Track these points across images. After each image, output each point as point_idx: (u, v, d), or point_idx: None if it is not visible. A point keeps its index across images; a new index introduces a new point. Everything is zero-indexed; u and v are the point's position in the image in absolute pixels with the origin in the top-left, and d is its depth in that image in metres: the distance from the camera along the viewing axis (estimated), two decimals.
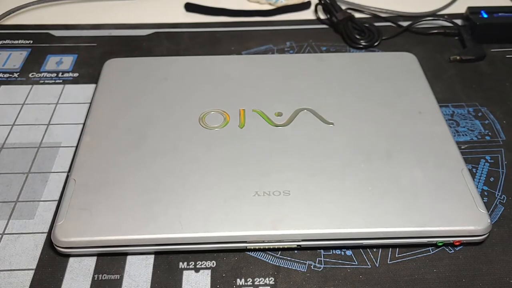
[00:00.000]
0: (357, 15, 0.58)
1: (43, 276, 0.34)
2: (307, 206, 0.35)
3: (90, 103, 0.43)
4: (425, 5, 0.60)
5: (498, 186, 0.40)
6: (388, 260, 0.35)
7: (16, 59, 0.52)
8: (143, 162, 0.37)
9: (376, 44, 0.54)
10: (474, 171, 0.41)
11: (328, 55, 0.51)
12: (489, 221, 0.34)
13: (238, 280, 0.34)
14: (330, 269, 0.34)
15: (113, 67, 0.47)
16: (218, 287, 0.33)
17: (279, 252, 0.35)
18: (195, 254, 0.35)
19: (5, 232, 0.36)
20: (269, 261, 0.35)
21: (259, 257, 0.35)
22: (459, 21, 0.56)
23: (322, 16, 0.59)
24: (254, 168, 0.37)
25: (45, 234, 0.36)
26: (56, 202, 0.38)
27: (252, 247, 0.34)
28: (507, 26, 0.54)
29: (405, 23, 0.57)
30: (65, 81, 0.49)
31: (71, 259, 0.35)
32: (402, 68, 0.46)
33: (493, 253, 0.35)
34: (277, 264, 0.35)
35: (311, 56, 0.50)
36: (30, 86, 0.48)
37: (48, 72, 0.50)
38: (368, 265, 0.35)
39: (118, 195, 0.35)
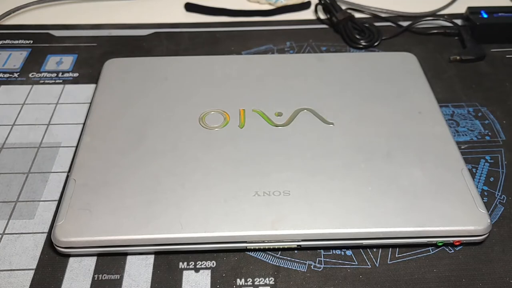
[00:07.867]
0: (357, 15, 0.58)
1: (43, 276, 0.34)
2: (307, 206, 0.35)
3: (90, 103, 0.43)
4: (425, 5, 0.60)
5: (498, 186, 0.40)
6: (388, 260, 0.35)
7: (16, 59, 0.52)
8: (143, 162, 0.37)
9: (376, 44, 0.54)
10: (474, 171, 0.41)
11: (328, 55, 0.51)
12: (489, 221, 0.34)
13: (238, 280, 0.34)
14: (330, 269, 0.34)
15: (113, 67, 0.46)
16: (218, 287, 0.33)
17: (279, 252, 0.35)
18: (195, 254, 0.35)
19: (5, 232, 0.36)
20: (269, 261, 0.35)
21: (259, 257, 0.35)
22: (459, 21, 0.56)
23: (322, 16, 0.59)
24: (254, 168, 0.37)
25: (45, 234, 0.36)
26: (56, 202, 0.38)
27: (252, 247, 0.34)
28: (507, 26, 0.54)
29: (405, 23, 0.57)
30: (65, 81, 0.49)
31: (71, 259, 0.35)
32: (402, 68, 0.46)
33: (493, 253, 0.35)
34: (277, 264, 0.35)
35: (311, 56, 0.50)
36: (30, 86, 0.48)
37: (48, 72, 0.50)
38: (368, 265, 0.35)
39: (118, 195, 0.35)
